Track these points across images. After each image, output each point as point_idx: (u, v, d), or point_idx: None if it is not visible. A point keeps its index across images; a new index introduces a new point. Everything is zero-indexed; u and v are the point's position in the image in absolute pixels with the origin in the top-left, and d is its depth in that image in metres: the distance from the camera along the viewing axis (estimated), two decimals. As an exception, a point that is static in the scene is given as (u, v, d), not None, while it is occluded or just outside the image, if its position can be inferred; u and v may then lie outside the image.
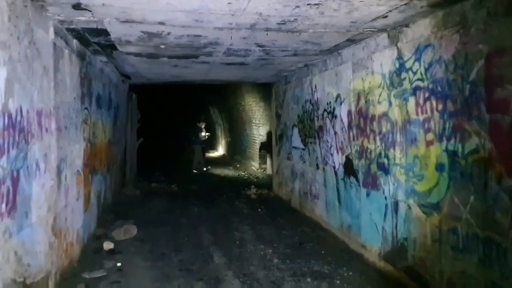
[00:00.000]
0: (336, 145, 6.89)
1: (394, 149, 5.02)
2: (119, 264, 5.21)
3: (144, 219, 7.75)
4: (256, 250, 6.10)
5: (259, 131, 15.27)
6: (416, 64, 4.59)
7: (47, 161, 4.21)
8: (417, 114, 4.57)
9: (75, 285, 4.52)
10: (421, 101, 4.49)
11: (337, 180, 6.86)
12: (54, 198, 4.40)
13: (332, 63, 6.98)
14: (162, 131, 21.36)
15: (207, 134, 16.48)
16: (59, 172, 4.55)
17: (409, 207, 4.71)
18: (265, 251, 6.00)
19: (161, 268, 5.22)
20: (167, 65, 7.66)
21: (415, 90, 4.60)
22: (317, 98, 7.77)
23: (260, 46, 5.98)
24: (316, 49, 6.25)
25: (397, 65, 4.97)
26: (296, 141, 9.18)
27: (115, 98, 9.17)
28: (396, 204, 4.98)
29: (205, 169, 15.96)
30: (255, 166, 15.45)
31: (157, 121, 20.59)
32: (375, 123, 5.49)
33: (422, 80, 4.47)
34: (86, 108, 6.10)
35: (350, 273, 5.17)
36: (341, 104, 6.65)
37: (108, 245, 5.82)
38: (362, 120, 5.85)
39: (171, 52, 6.40)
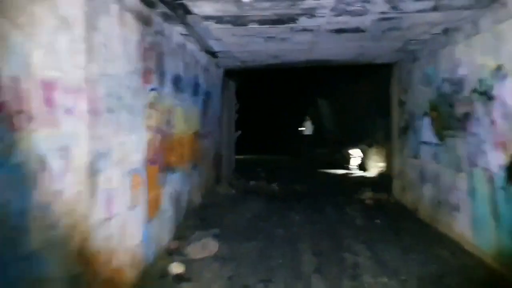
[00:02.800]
0: (493, 139, 4.74)
1: None
2: (181, 303, 3.77)
3: (232, 227, 6.34)
4: (376, 284, 4.28)
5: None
6: None
7: (68, 157, 2.87)
8: None
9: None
10: None
11: (493, 188, 4.71)
12: (83, 211, 3.07)
13: (489, 21, 4.82)
14: (265, 124, 20.04)
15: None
16: (92, 172, 3.20)
17: None
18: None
19: (238, 312, 3.67)
20: (259, 37, 6.07)
21: None
22: (461, 75, 5.61)
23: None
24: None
25: None
26: (427, 134, 7.04)
27: (204, 83, 7.90)
28: None
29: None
30: (369, 164, 13.33)
31: (259, 113, 19.35)
32: None
33: None
34: (154, 89, 4.80)
35: None
36: (503, 79, 4.50)
37: (176, 268, 4.42)
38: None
39: (261, 13, 4.80)
